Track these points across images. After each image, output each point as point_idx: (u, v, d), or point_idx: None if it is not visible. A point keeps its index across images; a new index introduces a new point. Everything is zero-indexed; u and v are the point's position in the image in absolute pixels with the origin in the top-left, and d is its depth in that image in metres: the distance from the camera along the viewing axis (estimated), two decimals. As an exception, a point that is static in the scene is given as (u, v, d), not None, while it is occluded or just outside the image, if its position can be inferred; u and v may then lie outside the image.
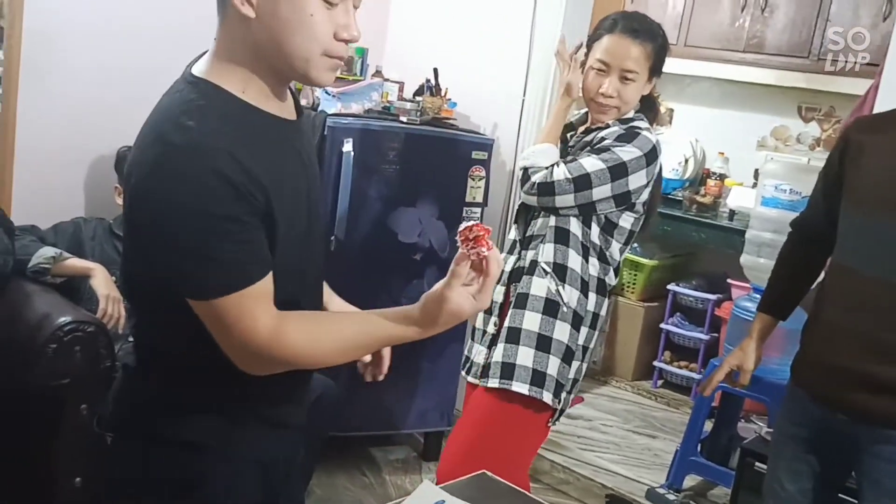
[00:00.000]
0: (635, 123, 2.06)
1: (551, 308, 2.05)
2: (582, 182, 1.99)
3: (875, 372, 1.70)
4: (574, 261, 2.05)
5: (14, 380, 2.14)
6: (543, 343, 2.03)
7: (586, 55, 2.12)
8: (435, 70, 3.17)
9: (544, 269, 2.05)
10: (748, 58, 4.23)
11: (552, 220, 2.06)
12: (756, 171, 4.20)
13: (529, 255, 2.08)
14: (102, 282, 2.42)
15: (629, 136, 2.03)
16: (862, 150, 1.79)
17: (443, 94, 3.18)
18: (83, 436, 2.19)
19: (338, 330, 1.23)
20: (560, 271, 2.05)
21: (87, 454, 2.21)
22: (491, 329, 2.13)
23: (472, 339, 2.22)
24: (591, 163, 1.99)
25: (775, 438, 2.01)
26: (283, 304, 1.18)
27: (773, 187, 2.92)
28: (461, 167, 3.04)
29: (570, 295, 2.05)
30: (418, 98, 3.15)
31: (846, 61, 3.92)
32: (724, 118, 4.66)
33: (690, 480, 3.24)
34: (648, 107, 2.17)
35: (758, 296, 3.05)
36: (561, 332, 2.05)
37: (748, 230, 3.09)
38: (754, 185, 4.00)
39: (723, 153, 4.56)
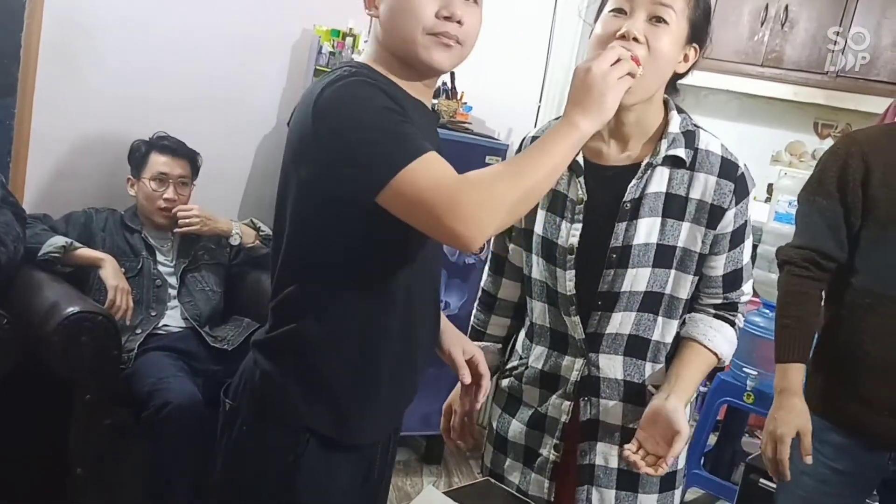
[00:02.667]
0: (703, 138, 1.46)
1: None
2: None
3: None
4: None
5: (23, 368, 2.15)
6: (667, 481, 1.53)
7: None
8: (451, 73, 3.16)
9: (653, 393, 1.47)
10: (766, 72, 4.21)
11: (663, 320, 1.48)
12: (770, 185, 4.18)
13: (617, 365, 1.49)
14: (112, 273, 2.42)
15: (727, 169, 1.44)
16: (890, 168, 1.71)
17: (458, 97, 3.18)
18: (90, 426, 2.20)
19: (513, 159, 1.24)
20: None
21: (95, 444, 2.22)
22: (550, 455, 1.53)
23: (506, 451, 1.62)
24: (747, 252, 1.52)
25: (805, 480, 1.81)
26: (407, 289, 1.30)
27: (787, 203, 2.90)
28: (474, 170, 3.03)
29: (682, 454, 1.55)
30: (434, 101, 3.15)
31: (864, 78, 3.90)
32: (739, 131, 4.63)
33: (693, 493, 3.22)
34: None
35: (767, 311, 3.04)
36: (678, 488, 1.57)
37: (760, 245, 3.06)
38: (767, 200, 3.98)
39: (737, 166, 4.54)
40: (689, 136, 1.44)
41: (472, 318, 1.72)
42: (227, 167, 3.15)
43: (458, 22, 1.26)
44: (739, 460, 2.98)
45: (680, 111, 1.48)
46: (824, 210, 1.78)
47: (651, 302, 1.46)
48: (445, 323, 1.52)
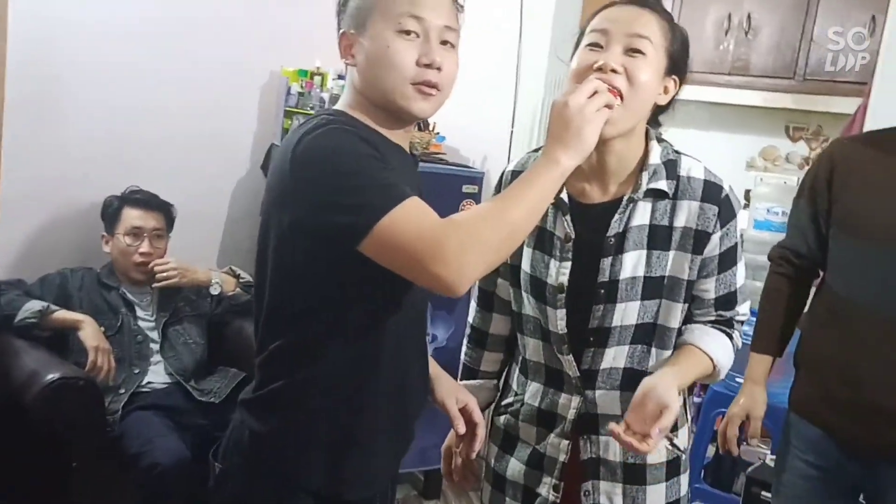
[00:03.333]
0: (684, 164, 1.44)
1: (673, 468, 1.51)
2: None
3: None
4: (679, 397, 1.46)
5: (10, 432, 2.11)
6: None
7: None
8: (422, 105, 3.16)
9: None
10: (734, 80, 4.24)
11: (657, 351, 1.47)
12: (747, 192, 4.20)
13: (614, 400, 1.46)
14: (91, 334, 2.38)
15: (710, 192, 1.42)
16: (852, 174, 1.75)
17: (430, 128, 3.17)
18: (82, 480, 2.16)
19: (495, 198, 1.24)
20: (670, 428, 1.47)
21: (91, 492, 2.18)
22: (549, 496, 1.50)
23: (504, 491, 1.58)
24: (740, 275, 1.49)
25: (780, 475, 1.93)
26: (395, 338, 1.30)
27: (766, 210, 2.92)
28: (452, 201, 3.01)
29: (682, 439, 1.54)
30: (406, 133, 3.14)
31: (830, 80, 3.94)
32: (712, 140, 4.66)
33: (696, 509, 3.19)
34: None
35: (754, 318, 3.04)
36: (684, 484, 1.55)
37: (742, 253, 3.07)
38: (746, 206, 3.99)
39: (713, 175, 4.57)
40: (671, 166, 1.42)
41: (463, 355, 1.70)
42: (202, 215, 3.12)
43: (438, 68, 1.26)
44: (740, 470, 2.95)
45: (661, 141, 1.46)
46: (799, 211, 1.87)
47: (643, 334, 1.44)
48: (438, 371, 1.51)
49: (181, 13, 2.95)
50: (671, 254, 1.41)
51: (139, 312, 2.60)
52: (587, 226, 1.43)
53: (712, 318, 1.49)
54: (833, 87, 3.92)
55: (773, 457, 2.49)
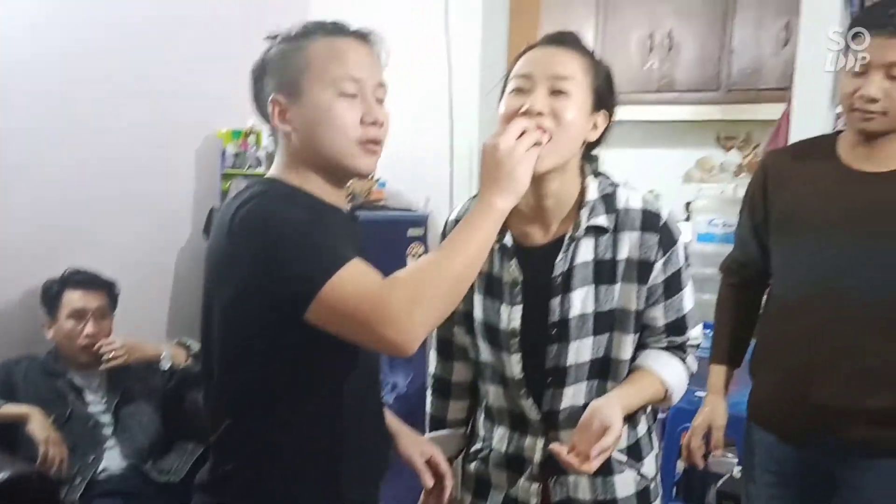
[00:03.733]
0: (622, 197, 1.44)
1: (643, 497, 1.52)
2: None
3: (859, 405, 1.68)
4: (644, 424, 1.54)
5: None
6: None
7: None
8: (359, 154, 3.16)
9: (621, 462, 1.48)
10: (663, 97, 4.35)
11: (613, 384, 1.46)
12: (687, 204, 4.28)
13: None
14: (39, 426, 2.29)
15: (649, 221, 1.42)
16: (783, 181, 1.81)
17: (370, 175, 3.16)
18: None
19: (435, 250, 1.23)
20: (636, 451, 1.51)
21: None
22: None
23: None
24: (688, 299, 1.49)
25: (745, 485, 1.95)
26: (351, 403, 1.28)
27: (707, 222, 2.97)
28: (400, 247, 3.01)
29: (649, 466, 1.53)
30: (347, 183, 3.12)
31: (753, 89, 4.05)
32: (648, 157, 4.75)
33: (672, 527, 3.18)
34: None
35: (706, 331, 3.07)
36: None
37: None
38: (687, 219, 4.06)
39: (652, 191, 4.63)
40: (609, 200, 1.43)
41: (428, 406, 1.68)
42: (146, 287, 3.06)
43: (381, 124, 1.29)
44: (710, 483, 2.96)
45: (598, 175, 1.46)
46: (742, 223, 1.94)
47: (598, 369, 1.45)
48: (399, 426, 1.50)
49: (110, 80, 2.91)
50: (618, 286, 1.42)
51: (88, 397, 2.52)
52: (533, 268, 1.44)
53: (664, 345, 1.49)
54: (757, 95, 4.04)
55: (740, 468, 2.51)
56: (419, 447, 1.48)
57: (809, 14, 2.52)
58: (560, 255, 1.41)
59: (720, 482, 2.77)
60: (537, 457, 1.48)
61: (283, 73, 1.28)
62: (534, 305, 1.43)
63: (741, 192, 1.98)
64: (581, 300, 1.41)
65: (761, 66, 4.03)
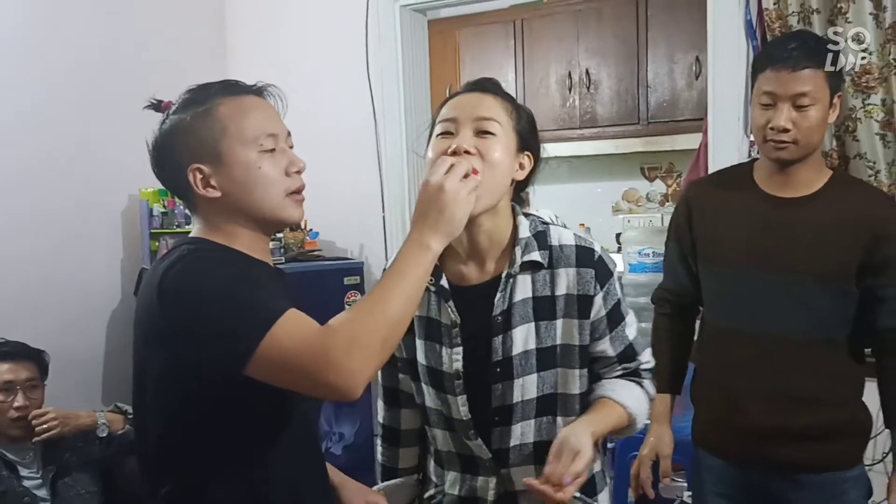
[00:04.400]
0: (554, 234, 1.47)
1: None
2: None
3: (786, 424, 1.75)
4: (598, 461, 1.52)
5: None
6: None
7: None
8: (290, 205, 3.16)
9: (576, 496, 1.39)
10: (586, 133, 4.45)
11: (562, 420, 1.47)
12: (617, 235, 4.37)
13: (531, 475, 1.40)
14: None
15: (584, 256, 1.45)
16: (705, 210, 1.88)
17: (304, 226, 3.16)
18: None
19: (370, 293, 1.20)
20: (591, 489, 1.49)
21: None
22: None
23: None
24: (631, 327, 1.51)
25: None
26: (291, 455, 1.26)
27: (637, 253, 3.04)
28: (337, 295, 3.00)
29: (605, 500, 1.55)
30: (279, 235, 3.12)
31: (671, 120, 4.19)
32: (577, 191, 4.85)
33: (629, 556, 3.19)
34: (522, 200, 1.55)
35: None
36: None
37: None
38: (619, 250, 4.15)
39: (583, 224, 4.73)
40: (541, 237, 1.46)
41: (378, 455, 1.68)
42: (78, 354, 2.97)
43: (302, 171, 1.31)
44: (662, 508, 2.99)
45: (528, 216, 1.49)
46: (669, 252, 2.00)
47: (546, 406, 1.46)
48: (342, 478, 1.49)
49: (30, 146, 2.87)
50: (559, 322, 1.44)
51: (23, 472, 2.42)
52: (472, 309, 1.44)
53: (619, 373, 1.51)
54: (675, 127, 4.18)
55: (690, 493, 2.55)
56: (364, 496, 1.48)
57: (716, 50, 2.64)
58: (498, 294, 1.43)
59: (672, 506, 2.80)
60: (490, 496, 1.48)
61: (198, 142, 1.26)
62: (475, 346, 1.44)
63: (668, 221, 2.04)
64: (523, 337, 1.42)
65: (676, 99, 4.17)
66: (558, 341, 1.44)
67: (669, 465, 1.96)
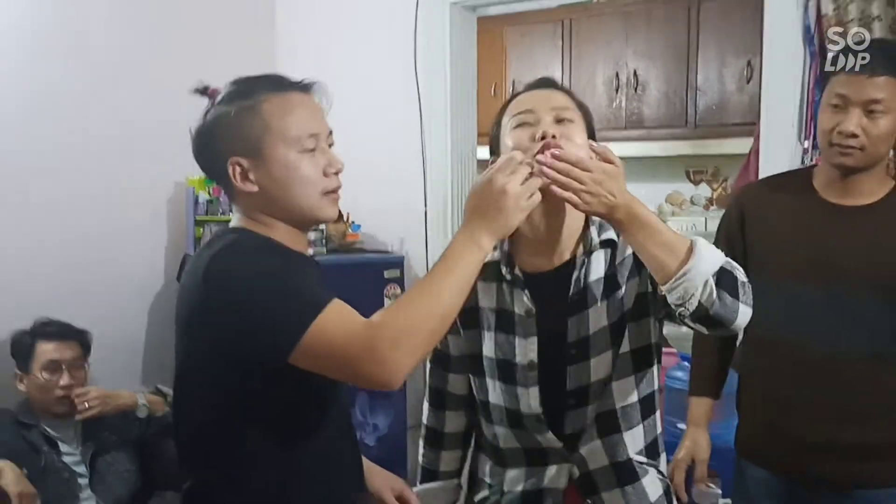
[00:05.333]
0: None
1: (668, 498, 1.54)
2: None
3: (840, 439, 1.70)
4: (659, 426, 1.54)
5: None
6: None
7: None
8: (333, 196, 3.17)
9: (642, 463, 1.49)
10: (632, 134, 4.42)
11: (634, 392, 1.46)
12: (660, 239, 4.33)
13: (598, 449, 1.46)
14: (12, 479, 2.23)
15: None
16: (760, 216, 1.83)
17: (345, 218, 3.17)
18: None
19: (418, 286, 1.22)
20: (653, 451, 1.51)
21: None
22: None
23: None
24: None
25: None
26: (310, 433, 1.27)
27: (681, 257, 2.99)
28: (376, 288, 3.01)
29: (663, 465, 1.56)
30: (321, 227, 3.14)
31: (720, 124, 4.13)
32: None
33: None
34: None
35: (687, 363, 3.10)
36: None
37: (666, 301, 3.13)
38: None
39: (625, 226, 4.70)
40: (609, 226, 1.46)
41: (420, 457, 1.67)
42: (121, 337, 3.02)
43: (340, 171, 1.32)
44: (696, 514, 2.96)
45: None
46: None
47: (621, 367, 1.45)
48: (368, 465, 1.50)
49: (79, 128, 2.91)
50: (626, 286, 1.43)
51: (63, 448, 2.47)
52: (545, 295, 1.44)
53: None
54: (723, 131, 4.12)
55: (726, 501, 2.51)
56: (389, 483, 1.50)
57: (771, 53, 2.59)
58: (575, 274, 1.43)
59: (706, 515, 2.77)
60: (563, 482, 1.47)
61: (240, 136, 1.27)
62: (549, 332, 1.44)
63: (712, 226, 2.01)
64: (596, 316, 1.42)
65: (726, 102, 4.12)
66: (626, 307, 1.43)
67: (705, 470, 1.93)
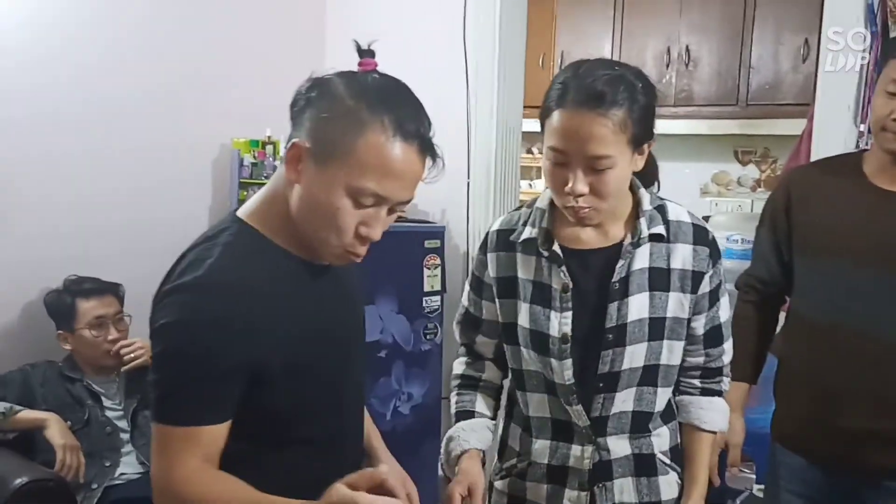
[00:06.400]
0: (671, 210, 1.48)
1: (681, 495, 1.57)
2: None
3: (886, 430, 1.68)
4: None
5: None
6: None
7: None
8: (376, 164, 3.17)
9: (665, 463, 1.53)
10: (680, 111, 4.34)
11: (661, 390, 1.50)
12: (705, 218, 4.27)
13: (625, 444, 1.49)
14: (57, 432, 2.31)
15: (700, 235, 1.47)
16: (808, 198, 1.80)
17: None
18: None
19: (244, 497, 1.15)
20: (677, 454, 1.56)
21: None
22: None
23: None
24: (724, 310, 1.55)
25: None
26: (307, 443, 1.25)
27: (725, 239, 2.96)
28: (415, 258, 3.01)
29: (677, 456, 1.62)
30: (363, 193, 3.14)
31: (772, 104, 4.04)
32: (665, 170, 4.68)
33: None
34: (647, 170, 1.48)
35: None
36: None
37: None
38: (705, 234, 4.06)
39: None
40: (661, 211, 1.47)
41: (453, 406, 1.64)
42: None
43: (372, 241, 1.20)
44: (728, 498, 2.95)
45: (645, 187, 1.50)
46: (761, 240, 1.94)
47: (649, 375, 1.47)
48: (388, 458, 1.48)
49: (125, 91, 2.93)
50: (672, 295, 1.46)
51: (106, 402, 2.53)
52: (585, 273, 1.46)
53: (701, 361, 1.55)
54: (775, 111, 4.03)
55: (760, 486, 2.49)
56: (401, 481, 1.44)
57: (830, 31, 2.51)
58: (620, 261, 1.44)
59: (739, 499, 2.75)
60: (586, 464, 1.49)
61: (321, 134, 1.13)
62: (584, 310, 1.45)
63: (759, 208, 1.98)
64: (638, 306, 1.43)
65: (780, 82, 4.02)
66: (669, 314, 1.45)
67: (739, 455, 1.93)
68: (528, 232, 1.49)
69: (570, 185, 1.35)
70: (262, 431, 1.22)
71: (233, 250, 1.18)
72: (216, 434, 1.16)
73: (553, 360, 1.45)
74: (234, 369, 1.14)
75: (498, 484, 1.60)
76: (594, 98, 1.31)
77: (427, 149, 1.17)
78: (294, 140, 1.15)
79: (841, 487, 1.77)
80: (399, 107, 1.14)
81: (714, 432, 1.56)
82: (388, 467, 1.34)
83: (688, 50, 4.26)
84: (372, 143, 1.11)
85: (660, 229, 1.44)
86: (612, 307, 1.43)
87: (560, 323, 1.44)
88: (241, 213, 1.25)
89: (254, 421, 1.20)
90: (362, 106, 1.12)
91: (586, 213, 1.38)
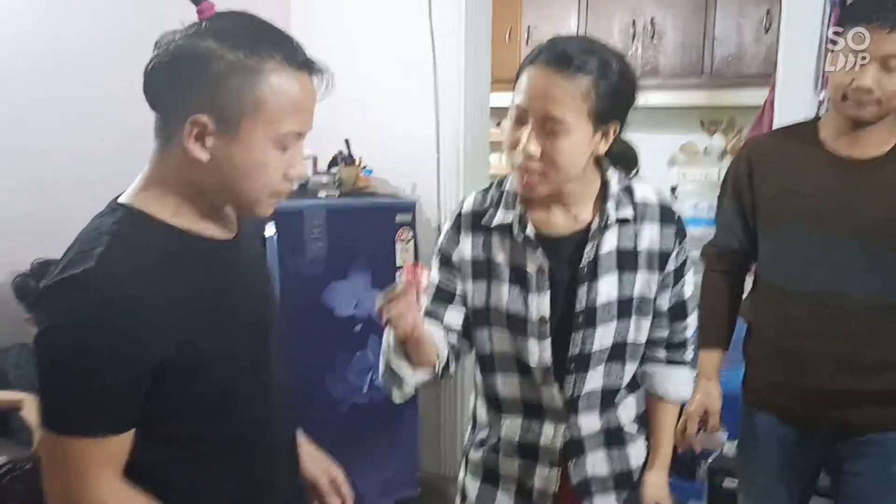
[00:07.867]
0: (638, 191, 1.50)
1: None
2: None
3: (855, 387, 1.73)
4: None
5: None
6: None
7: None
8: (346, 141, 3.17)
9: (633, 433, 1.58)
10: (646, 83, 4.30)
11: (629, 365, 1.54)
12: (672, 188, 4.32)
13: (595, 419, 1.52)
14: (33, 411, 2.30)
15: (666, 215, 1.50)
16: (768, 169, 1.84)
17: (357, 163, 3.18)
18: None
19: None
20: (643, 419, 1.62)
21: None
22: None
23: None
24: (689, 286, 1.58)
25: (744, 467, 2.00)
26: (231, 440, 1.17)
27: (693, 206, 3.02)
28: (387, 233, 3.03)
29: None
30: (333, 170, 3.15)
31: (737, 75, 4.09)
32: (634, 142, 4.77)
33: None
34: (626, 160, 1.53)
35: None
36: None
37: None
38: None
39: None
40: (628, 192, 1.49)
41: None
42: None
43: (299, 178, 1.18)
44: (700, 458, 3.03)
45: (613, 167, 1.51)
46: (725, 209, 1.96)
47: (617, 352, 1.51)
48: (305, 451, 1.42)
49: (93, 82, 2.90)
50: (638, 275, 1.48)
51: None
52: (557, 257, 1.47)
53: (665, 335, 1.57)
54: (740, 81, 4.08)
55: (732, 442, 2.56)
56: (324, 468, 1.43)
57: (790, 2, 2.55)
58: (588, 245, 1.46)
59: (711, 458, 2.83)
60: (559, 443, 1.51)
61: (220, 95, 1.05)
62: (558, 293, 1.47)
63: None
64: (607, 288, 1.46)
65: (743, 53, 4.07)
66: (636, 293, 1.48)
67: (718, 421, 1.95)
68: (502, 216, 1.49)
69: (522, 142, 1.36)
70: (175, 435, 1.13)
71: (124, 238, 1.07)
72: (123, 444, 1.07)
73: (530, 340, 1.47)
74: (136, 366, 1.04)
75: (473, 456, 1.62)
76: (562, 59, 1.33)
77: (315, 70, 1.13)
78: (192, 118, 1.06)
79: (814, 442, 1.83)
80: (276, 41, 1.10)
81: (681, 402, 1.61)
82: (308, 455, 1.38)
83: (653, 23, 4.30)
84: (276, 86, 1.07)
85: (627, 213, 1.47)
86: (582, 290, 1.45)
87: (538, 305, 1.46)
88: (125, 199, 1.14)
89: (165, 425, 1.11)
90: (245, 54, 1.06)
91: (533, 179, 1.38)
